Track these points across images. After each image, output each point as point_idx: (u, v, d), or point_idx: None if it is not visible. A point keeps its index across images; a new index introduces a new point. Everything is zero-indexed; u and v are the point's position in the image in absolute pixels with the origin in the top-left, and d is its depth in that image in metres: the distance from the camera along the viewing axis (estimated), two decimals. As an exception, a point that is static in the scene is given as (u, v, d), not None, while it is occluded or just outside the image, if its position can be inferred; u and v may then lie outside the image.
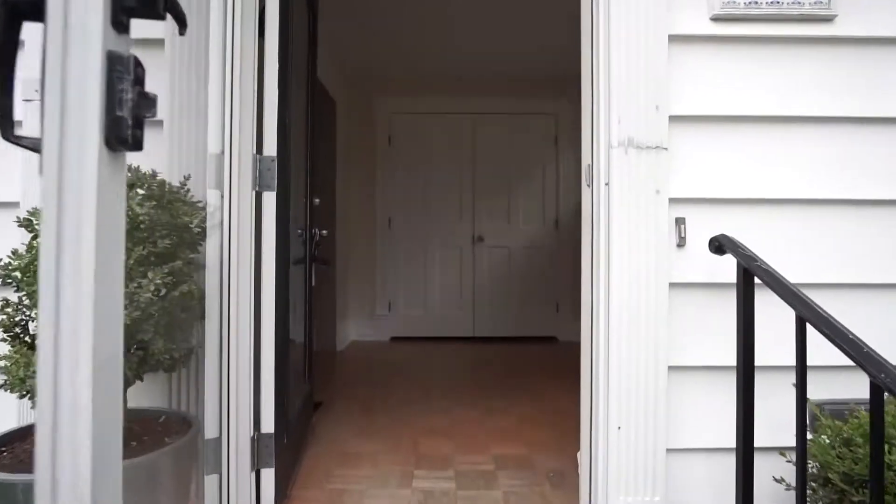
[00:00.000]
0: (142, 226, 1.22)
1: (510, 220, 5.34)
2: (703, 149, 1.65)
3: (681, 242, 1.64)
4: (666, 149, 1.62)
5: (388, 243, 5.32)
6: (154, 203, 1.26)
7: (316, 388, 3.49)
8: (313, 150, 2.90)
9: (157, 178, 1.32)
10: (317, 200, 2.88)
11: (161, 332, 1.24)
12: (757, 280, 1.36)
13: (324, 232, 2.91)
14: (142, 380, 1.29)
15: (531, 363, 4.53)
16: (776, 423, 1.53)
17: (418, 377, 4.01)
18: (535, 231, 5.34)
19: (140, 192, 1.25)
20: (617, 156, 1.62)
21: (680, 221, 1.65)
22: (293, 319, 2.61)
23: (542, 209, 5.35)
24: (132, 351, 1.18)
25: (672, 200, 1.63)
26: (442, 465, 2.50)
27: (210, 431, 1.72)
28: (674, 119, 1.63)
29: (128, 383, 1.21)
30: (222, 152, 1.64)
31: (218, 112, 1.61)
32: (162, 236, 1.22)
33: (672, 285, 1.62)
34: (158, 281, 1.16)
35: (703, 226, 1.64)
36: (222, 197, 1.60)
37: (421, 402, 3.36)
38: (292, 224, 2.50)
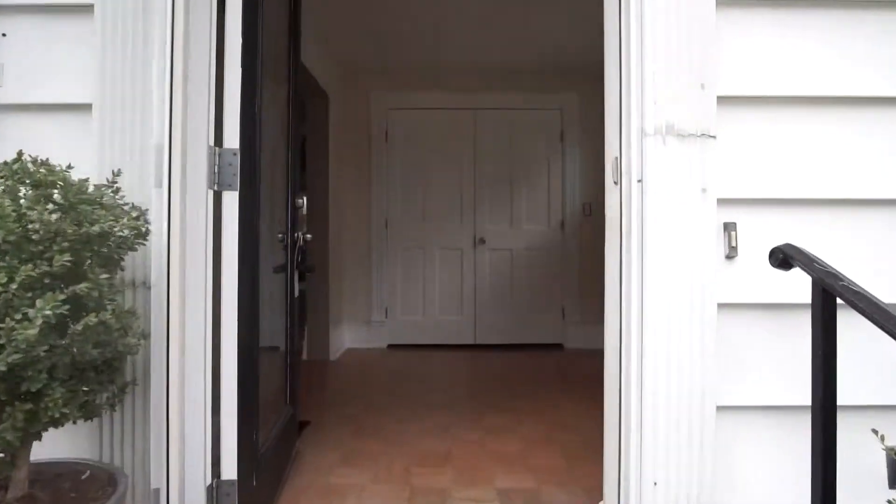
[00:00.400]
0: (34, 237, 0.90)
1: (513, 220, 5.02)
2: (761, 137, 1.33)
3: (731, 253, 1.32)
4: (714, 137, 1.30)
5: (384, 246, 5.00)
6: (55, 207, 0.95)
7: (303, 406, 3.18)
8: (296, 145, 2.58)
9: (58, 172, 1.00)
10: (301, 201, 2.56)
11: (62, 376, 0.92)
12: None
13: (308, 236, 2.59)
14: (39, 439, 0.98)
15: (536, 373, 4.20)
16: (857, 475, 1.21)
17: (415, 390, 3.69)
18: (540, 232, 5.01)
19: (26, 190, 0.93)
20: (653, 146, 1.30)
21: (730, 227, 1.32)
22: (271, 335, 2.30)
23: (546, 209, 5.03)
24: (15, 405, 0.87)
25: (721, 201, 1.31)
26: (437, 501, 2.19)
27: (155, 482, 1.40)
28: (723, 100, 1.31)
29: (9, 447, 0.90)
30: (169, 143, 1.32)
31: (161, 94, 1.29)
32: (62, 250, 0.91)
33: (721, 306, 1.30)
34: (49, 311, 0.85)
35: (760, 233, 1.31)
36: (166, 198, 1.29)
37: (417, 420, 3.04)
38: (268, 228, 2.18)
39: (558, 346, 4.99)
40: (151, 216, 1.25)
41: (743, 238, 1.32)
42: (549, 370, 4.34)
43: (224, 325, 1.50)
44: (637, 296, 1.32)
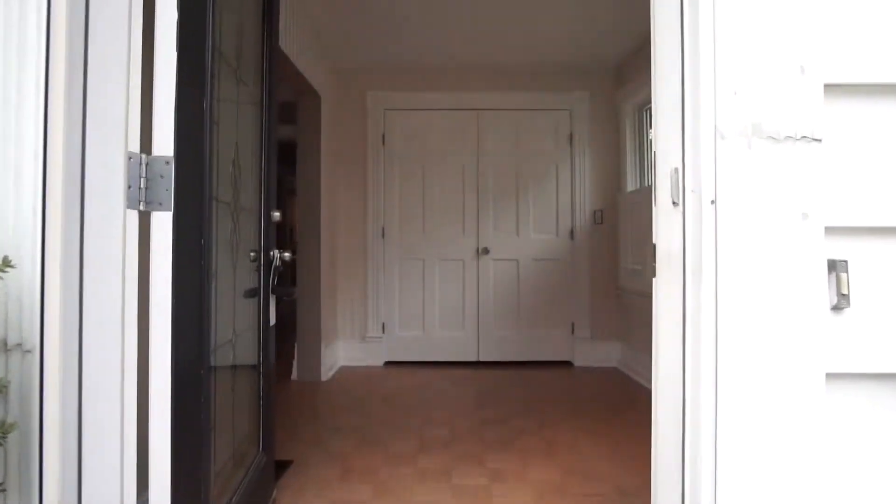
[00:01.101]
0: None
1: (519, 229, 4.63)
2: (887, 141, 0.94)
3: (840, 303, 0.93)
4: (818, 140, 0.91)
5: (380, 256, 4.62)
6: None
7: (285, 440, 2.81)
8: (272, 151, 2.20)
9: None
10: (276, 214, 2.18)
11: None
12: None
13: (286, 255, 2.21)
14: None
15: (545, 395, 3.81)
16: None
17: (412, 419, 3.30)
18: (548, 242, 4.63)
19: None
20: (732, 153, 0.92)
21: (838, 267, 0.94)
22: (235, 385, 1.92)
23: (555, 217, 4.64)
24: None
25: (829, 230, 0.92)
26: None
27: None
28: (832, 90, 0.93)
29: None
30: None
31: (36, 81, 0.91)
32: None
33: (830, 377, 0.92)
34: None
35: (882, 275, 0.93)
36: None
37: (413, 460, 2.66)
38: (231, 249, 1.81)
39: (567, 364, 4.60)
40: (23, 251, 0.87)
41: (858, 282, 0.93)
42: (560, 391, 3.95)
43: (154, 403, 1.11)
44: (708, 362, 0.93)
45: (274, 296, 2.20)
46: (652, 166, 1.30)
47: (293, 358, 4.19)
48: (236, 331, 1.86)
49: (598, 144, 4.63)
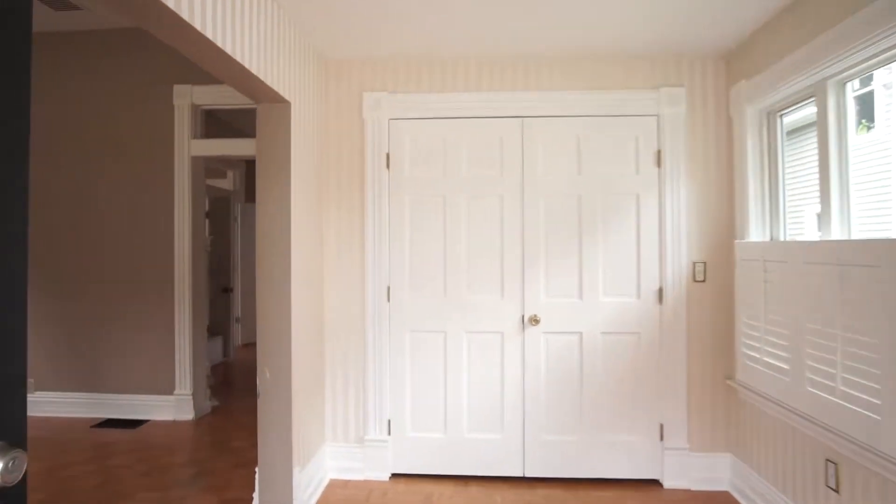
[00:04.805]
0: None
1: (583, 289, 3.11)
2: None
3: None
4: None
5: (385, 327, 3.16)
6: None
7: None
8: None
9: None
10: None
11: None
12: None
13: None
14: None
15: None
16: None
17: None
18: (625, 308, 3.09)
19: None
20: None
21: None
22: None
23: (635, 272, 3.09)
24: None
25: None
26: None
27: None
28: None
29: None
30: None
31: None
32: None
33: None
34: None
35: None
36: None
37: None
38: None
39: (653, 484, 3.08)
40: None
41: None
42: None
43: None
44: None
45: None
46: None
47: (252, 490, 2.78)
48: None
49: (699, 166, 3.06)
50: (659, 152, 3.07)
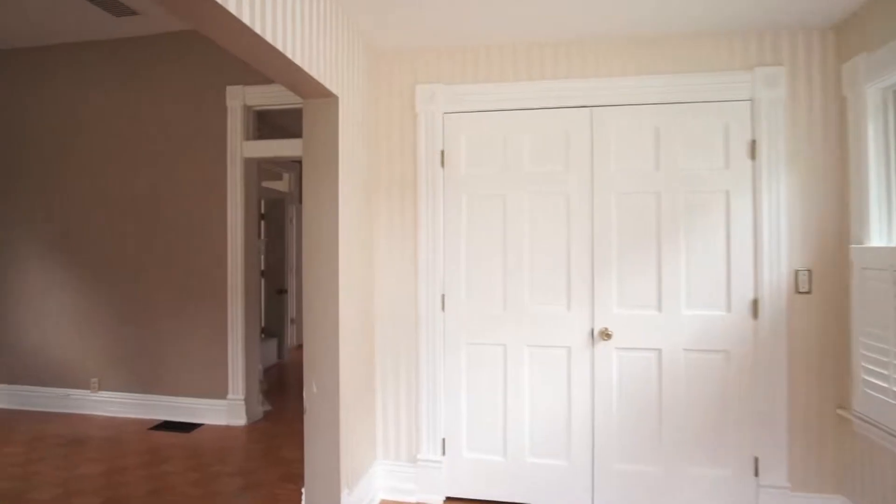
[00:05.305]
0: None
1: (662, 300, 2.73)
2: None
3: None
4: None
5: (439, 338, 2.91)
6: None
7: None
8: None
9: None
10: None
11: None
12: None
13: None
14: None
15: None
16: None
17: None
18: (712, 322, 2.69)
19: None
20: None
21: None
22: None
23: (724, 281, 2.68)
24: None
25: None
26: None
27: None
28: None
29: None
30: None
31: None
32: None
33: None
34: None
35: None
36: None
37: None
38: None
39: (746, 525, 2.66)
40: None
41: None
42: None
43: None
44: None
45: None
46: None
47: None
48: None
49: (803, 158, 2.61)
50: (753, 142, 2.65)
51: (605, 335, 2.73)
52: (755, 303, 2.64)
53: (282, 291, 6.62)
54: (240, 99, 4.05)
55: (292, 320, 7.00)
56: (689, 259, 2.70)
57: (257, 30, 1.78)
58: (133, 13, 3.84)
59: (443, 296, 2.90)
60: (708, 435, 2.68)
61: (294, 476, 3.20)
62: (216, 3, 1.57)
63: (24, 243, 4.52)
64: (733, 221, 2.66)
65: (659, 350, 2.72)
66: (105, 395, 4.34)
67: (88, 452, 3.56)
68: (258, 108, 4.15)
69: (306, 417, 2.53)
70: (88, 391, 4.38)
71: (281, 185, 6.85)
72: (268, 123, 5.02)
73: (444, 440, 2.91)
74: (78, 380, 4.42)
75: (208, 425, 4.10)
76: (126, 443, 3.73)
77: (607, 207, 2.76)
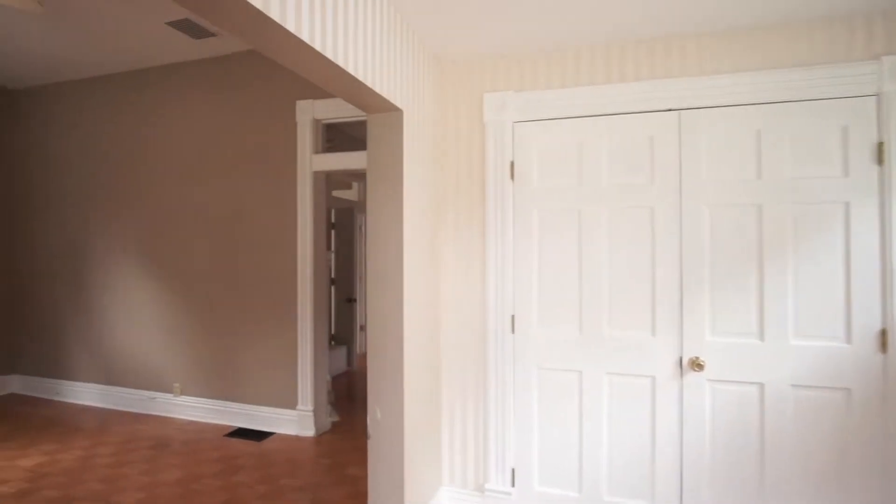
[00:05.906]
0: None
1: (764, 328, 2.38)
2: None
3: None
4: None
5: (509, 363, 2.73)
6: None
7: None
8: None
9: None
10: None
11: None
12: None
13: None
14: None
15: None
16: None
17: None
18: (826, 354, 2.31)
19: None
20: None
21: None
22: None
23: (843, 307, 2.30)
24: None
25: None
26: None
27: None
28: None
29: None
30: None
31: None
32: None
33: None
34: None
35: None
36: None
37: None
38: None
39: None
40: None
41: None
42: None
43: None
44: None
45: None
46: None
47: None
48: None
49: (946, 161, 2.18)
50: (881, 145, 2.25)
51: (697, 365, 2.43)
52: (883, 333, 2.24)
53: (351, 300, 6.68)
54: (309, 113, 4.08)
55: (361, 327, 7.05)
56: (797, 281, 2.34)
57: (317, 46, 1.69)
58: (211, 35, 3.97)
59: (512, 316, 2.72)
60: (823, 485, 2.30)
61: (360, 495, 3.13)
62: (275, 22, 1.49)
63: (128, 262, 4.82)
64: (854, 237, 2.27)
65: (761, 384, 2.38)
66: (186, 400, 4.52)
67: (170, 458, 3.69)
68: (328, 121, 4.16)
69: (370, 444, 2.43)
70: (171, 395, 4.59)
71: (350, 195, 6.92)
72: (339, 134, 5.06)
73: (513, 470, 2.72)
74: (162, 383, 4.64)
75: (279, 434, 4.15)
76: (203, 450, 3.84)
77: (698, 221, 2.46)
